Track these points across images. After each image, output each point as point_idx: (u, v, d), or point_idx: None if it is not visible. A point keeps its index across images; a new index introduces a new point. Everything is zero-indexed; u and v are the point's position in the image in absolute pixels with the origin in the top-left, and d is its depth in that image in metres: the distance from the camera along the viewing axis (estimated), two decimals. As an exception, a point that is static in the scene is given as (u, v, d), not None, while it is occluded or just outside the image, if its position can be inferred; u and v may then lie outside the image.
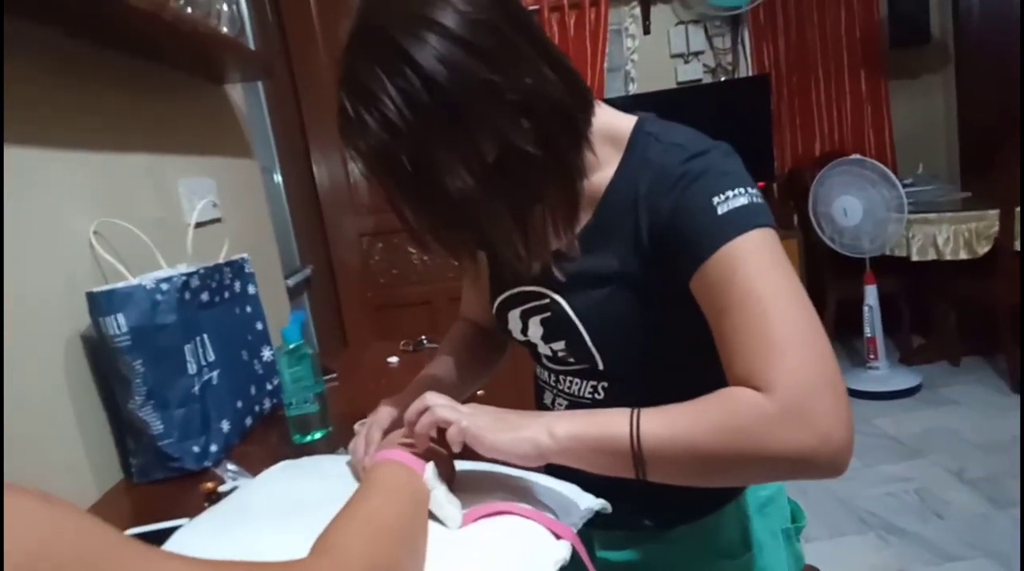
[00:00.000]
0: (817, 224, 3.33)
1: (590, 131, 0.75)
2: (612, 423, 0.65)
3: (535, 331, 0.86)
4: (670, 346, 0.79)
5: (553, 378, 0.92)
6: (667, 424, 0.64)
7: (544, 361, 0.93)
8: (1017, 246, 3.05)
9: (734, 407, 0.63)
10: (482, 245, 0.79)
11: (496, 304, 0.92)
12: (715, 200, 0.69)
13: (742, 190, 0.70)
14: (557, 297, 0.82)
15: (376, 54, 0.66)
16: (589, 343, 0.80)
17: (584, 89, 0.74)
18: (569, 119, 0.72)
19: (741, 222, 0.68)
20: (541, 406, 0.97)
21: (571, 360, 0.85)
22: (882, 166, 3.18)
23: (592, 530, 0.93)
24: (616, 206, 0.78)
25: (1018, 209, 3.02)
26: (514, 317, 0.89)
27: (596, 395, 0.87)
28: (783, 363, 0.62)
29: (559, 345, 0.84)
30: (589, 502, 0.75)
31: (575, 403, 0.89)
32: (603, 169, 0.79)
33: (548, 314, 0.84)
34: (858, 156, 3.30)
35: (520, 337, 0.90)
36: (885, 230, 3.21)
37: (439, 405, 0.69)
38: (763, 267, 0.67)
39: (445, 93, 0.63)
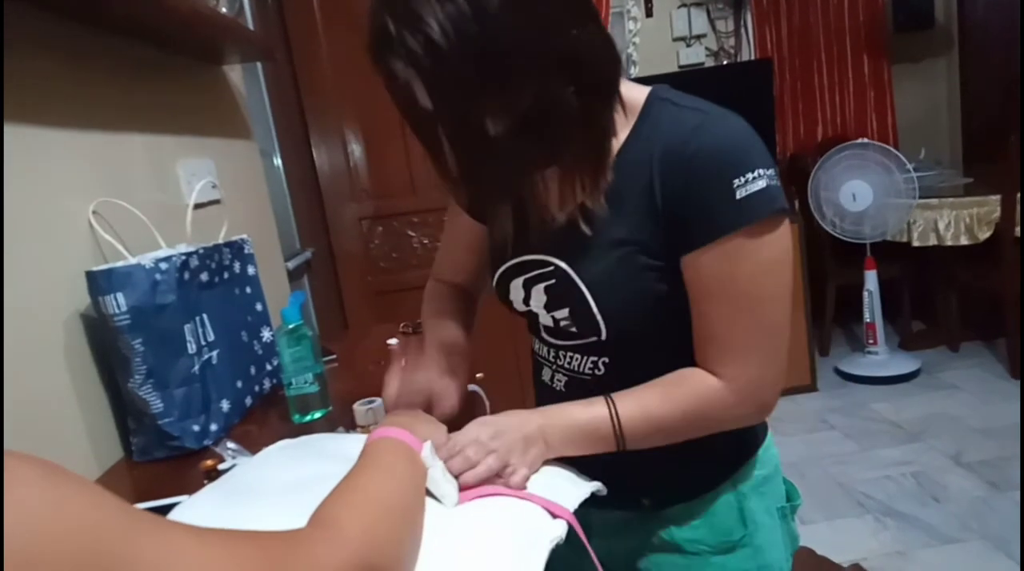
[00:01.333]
0: (817, 208, 3.31)
1: (619, 93, 0.75)
2: (594, 417, 0.78)
3: (538, 300, 0.86)
4: (675, 315, 0.79)
5: (552, 353, 0.92)
6: (642, 411, 0.77)
7: (543, 334, 0.92)
8: (1018, 232, 3.05)
9: (699, 395, 0.77)
10: (509, 190, 0.80)
11: (498, 274, 0.91)
12: (735, 182, 0.70)
13: (761, 171, 0.71)
14: (563, 264, 0.82)
15: None
16: (595, 310, 0.80)
17: (616, 53, 0.74)
18: (605, 76, 0.72)
19: (757, 209, 0.70)
20: (539, 382, 0.97)
21: (572, 329, 0.84)
22: (894, 151, 3.17)
23: (590, 510, 0.93)
24: (628, 171, 0.77)
25: (1019, 195, 3.01)
26: (516, 287, 0.88)
27: (596, 371, 0.87)
28: (747, 363, 0.76)
29: (562, 313, 0.83)
30: (585, 485, 0.76)
31: (574, 378, 0.89)
32: (616, 135, 0.78)
33: (552, 281, 0.83)
34: (865, 140, 3.28)
35: (521, 307, 0.89)
36: (894, 215, 3.20)
37: (504, 452, 0.73)
38: (761, 266, 0.73)
39: (495, 25, 0.62)
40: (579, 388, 0.88)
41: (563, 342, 0.89)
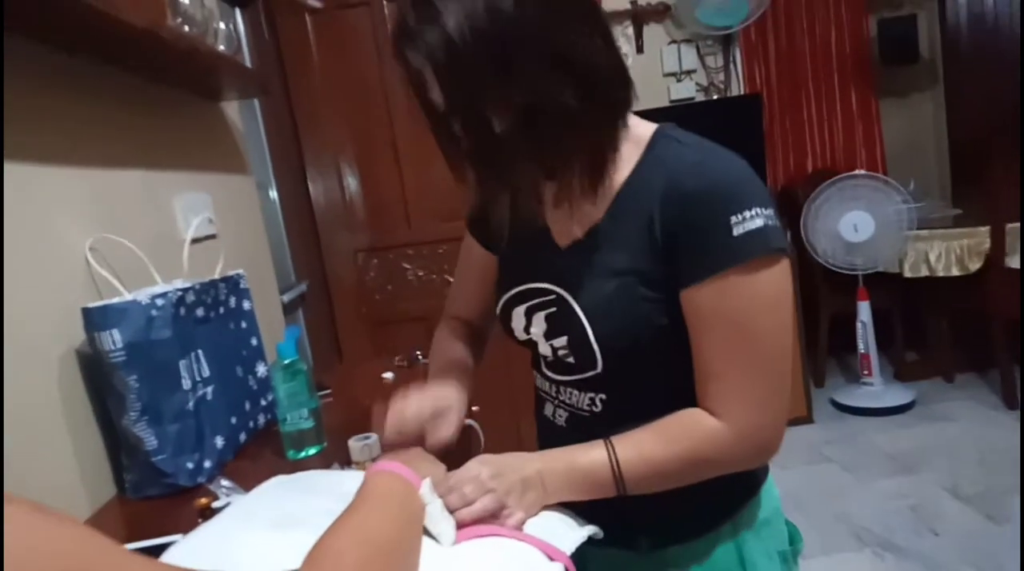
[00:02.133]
0: (808, 239, 3.33)
1: (627, 113, 0.79)
2: (593, 462, 0.77)
3: (538, 328, 0.86)
4: (671, 349, 0.80)
5: (554, 389, 0.92)
6: (641, 455, 0.77)
7: (543, 368, 0.93)
8: (1008, 262, 3.07)
9: (698, 437, 0.77)
10: (511, 186, 0.81)
11: (502, 302, 0.92)
12: (732, 219, 0.71)
13: (759, 210, 0.72)
14: (563, 292, 0.83)
15: None
16: (592, 339, 0.80)
17: (627, 78, 0.77)
18: (607, 89, 0.74)
19: (753, 247, 0.71)
20: (541, 417, 0.97)
21: (570, 360, 0.85)
22: (893, 182, 3.21)
23: (588, 549, 0.92)
24: (631, 203, 0.79)
25: (1009, 225, 3.04)
26: (518, 314, 0.89)
27: (594, 407, 0.87)
28: (744, 402, 0.75)
29: (560, 341, 0.84)
30: (581, 529, 0.76)
31: (575, 414, 0.90)
32: (622, 168, 0.80)
33: (553, 309, 0.84)
34: (862, 171, 3.32)
35: (522, 336, 0.90)
36: (890, 246, 3.23)
37: (501, 492, 0.73)
38: (756, 303, 0.73)
39: (504, 24, 0.66)
40: (579, 424, 0.89)
41: (562, 377, 0.90)
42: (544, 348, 0.87)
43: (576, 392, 0.89)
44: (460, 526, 0.69)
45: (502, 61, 0.67)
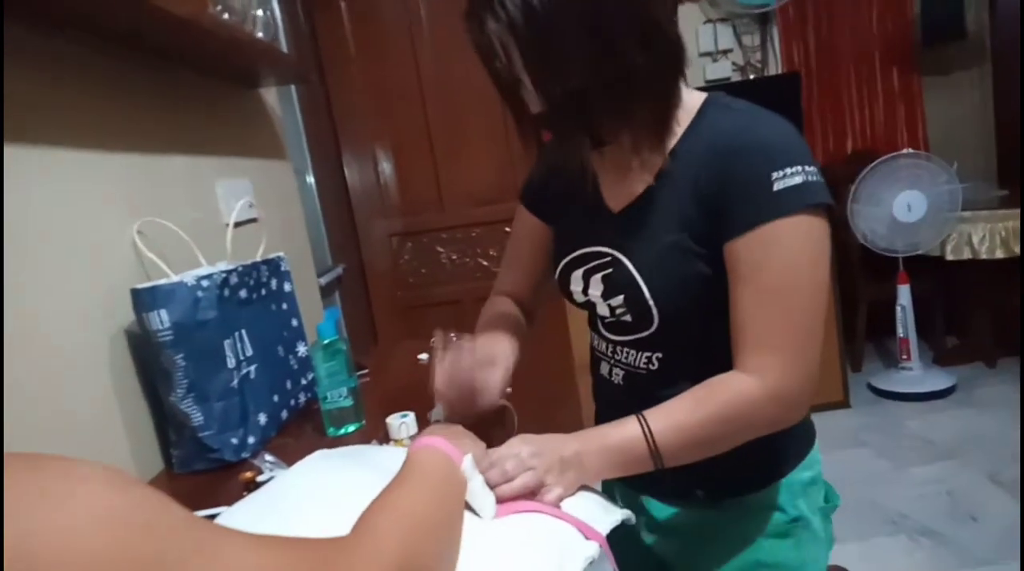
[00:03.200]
0: (851, 219, 3.26)
1: (685, 76, 0.82)
2: (628, 437, 0.79)
3: (595, 289, 0.91)
4: (723, 306, 0.82)
5: (610, 349, 0.96)
6: (673, 423, 0.78)
7: (600, 328, 0.97)
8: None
9: (727, 396, 0.78)
10: (589, 135, 0.83)
11: (560, 266, 0.97)
12: (774, 175, 0.74)
13: (800, 168, 0.74)
14: (619, 254, 0.87)
15: None
16: (648, 296, 0.84)
17: (682, 40, 0.80)
18: (678, 51, 0.78)
19: (793, 201, 0.73)
20: (598, 376, 1.02)
21: (627, 319, 0.89)
22: (942, 162, 3.14)
23: (649, 500, 0.98)
24: (681, 166, 0.82)
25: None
26: (576, 278, 0.94)
27: (651, 365, 0.91)
28: (773, 355, 0.76)
29: (617, 300, 0.88)
30: (616, 511, 0.77)
31: (631, 372, 0.94)
32: (673, 135, 0.83)
33: (609, 271, 0.89)
34: (910, 150, 3.25)
35: (580, 297, 0.94)
36: (941, 227, 3.16)
37: (541, 469, 0.75)
38: (796, 257, 0.75)
39: None
40: (636, 382, 0.93)
41: (619, 337, 0.94)
42: (602, 308, 0.92)
43: (633, 351, 0.92)
44: (500, 502, 0.71)
45: (580, 26, 0.71)
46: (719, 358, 0.81)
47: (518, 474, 0.74)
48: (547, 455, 0.76)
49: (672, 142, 0.83)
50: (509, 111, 0.83)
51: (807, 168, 0.75)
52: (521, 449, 0.76)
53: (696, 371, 0.82)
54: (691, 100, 0.85)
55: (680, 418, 0.79)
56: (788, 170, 0.74)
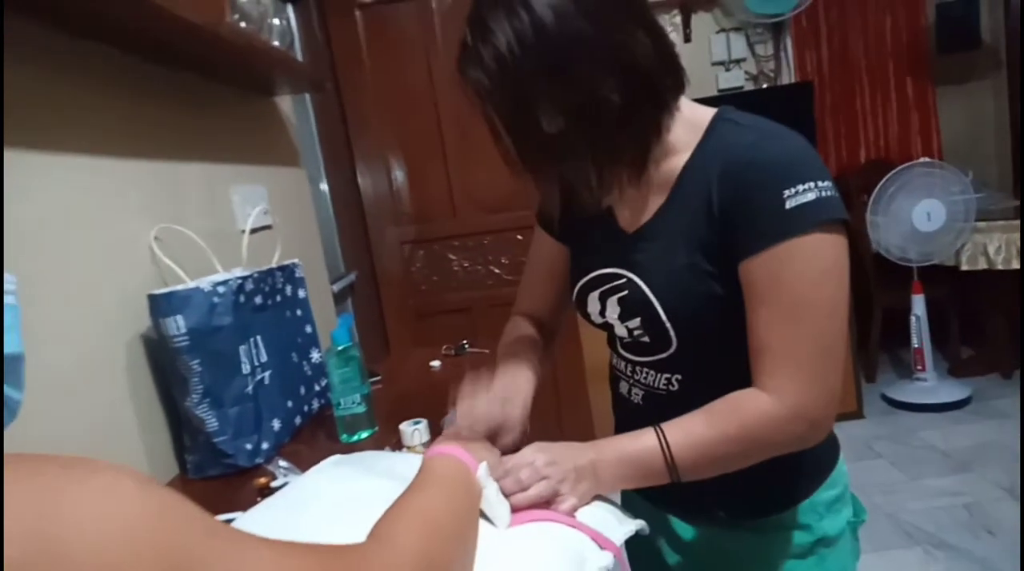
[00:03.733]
0: (871, 228, 3.24)
1: (675, 102, 0.81)
2: (644, 449, 0.78)
3: (612, 311, 0.90)
4: (741, 325, 0.81)
5: (629, 368, 0.96)
6: (691, 437, 0.77)
7: (619, 348, 0.96)
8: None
9: (747, 414, 0.76)
10: (562, 177, 0.85)
11: (577, 288, 0.96)
12: (786, 193, 0.73)
13: (812, 184, 0.73)
14: (633, 276, 0.87)
15: None
16: (664, 318, 0.84)
17: (676, 64, 0.80)
18: (653, 82, 0.77)
19: (806, 219, 0.73)
20: (617, 395, 1.01)
21: (646, 340, 0.88)
22: (958, 171, 3.12)
23: (671, 519, 0.97)
24: (691, 186, 0.82)
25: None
26: (593, 299, 0.93)
27: (671, 387, 0.90)
28: (793, 375, 0.75)
29: (635, 323, 0.88)
30: (630, 522, 0.77)
31: (650, 393, 0.93)
32: (681, 152, 0.83)
33: (625, 293, 0.88)
34: (926, 159, 3.23)
35: (598, 319, 0.94)
36: (956, 237, 3.14)
37: (555, 478, 0.75)
38: (812, 275, 0.74)
39: (549, 36, 0.72)
40: (655, 402, 0.92)
41: (639, 358, 0.93)
42: (620, 330, 0.91)
43: (652, 372, 0.92)
44: (515, 510, 0.71)
45: (548, 70, 0.73)
46: (740, 379, 0.80)
47: (532, 483, 0.74)
48: (562, 464, 0.76)
49: (681, 160, 0.83)
50: (498, 151, 0.84)
51: (820, 183, 0.74)
52: (536, 458, 0.76)
53: (717, 393, 0.80)
54: (698, 117, 0.84)
55: (698, 432, 0.78)
56: (800, 187, 0.73)
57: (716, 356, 0.85)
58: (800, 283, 0.74)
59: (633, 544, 0.77)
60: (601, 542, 0.70)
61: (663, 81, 0.79)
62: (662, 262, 0.84)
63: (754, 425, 0.76)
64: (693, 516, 0.95)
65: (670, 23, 3.84)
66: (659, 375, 0.91)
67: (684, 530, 0.97)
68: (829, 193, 0.74)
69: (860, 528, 0.99)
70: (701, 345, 0.85)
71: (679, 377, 0.89)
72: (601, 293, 0.92)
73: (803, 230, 0.73)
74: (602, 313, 0.92)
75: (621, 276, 0.88)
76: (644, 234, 0.87)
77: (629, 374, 0.96)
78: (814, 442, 0.78)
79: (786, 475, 0.86)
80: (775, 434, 0.76)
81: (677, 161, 0.83)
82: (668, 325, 0.84)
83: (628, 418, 0.97)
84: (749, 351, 0.78)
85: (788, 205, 0.73)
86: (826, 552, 0.91)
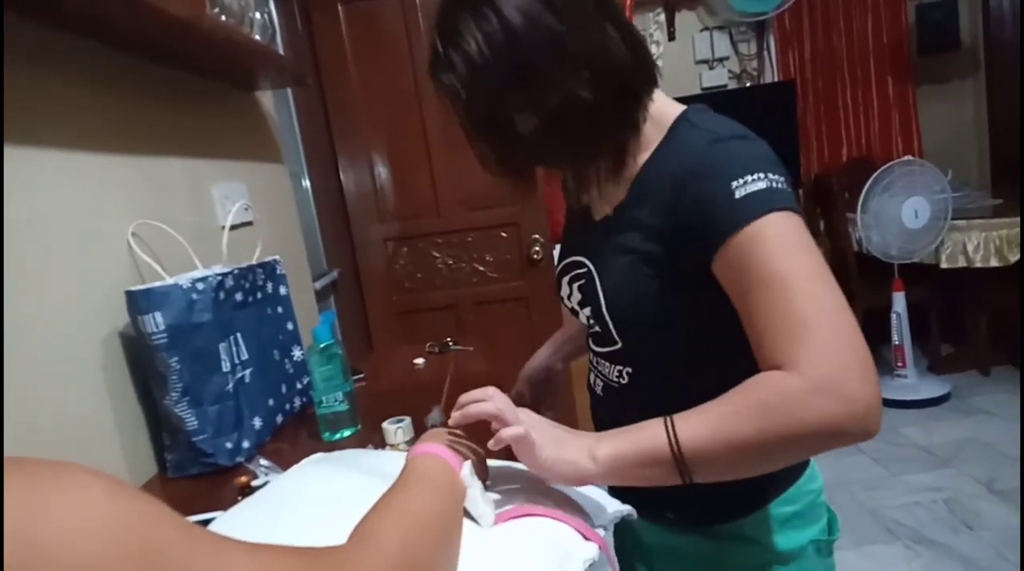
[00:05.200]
0: (860, 227, 3.27)
1: (649, 96, 0.82)
2: (650, 435, 0.67)
3: (576, 297, 0.92)
4: (686, 335, 0.81)
5: (594, 359, 0.97)
6: (701, 423, 0.66)
7: (588, 340, 0.97)
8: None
9: (763, 391, 0.64)
10: (533, 179, 0.87)
11: (556, 272, 0.99)
12: (733, 184, 0.70)
13: (761, 175, 0.70)
14: (591, 266, 0.88)
15: (468, 1, 0.74)
16: (605, 312, 0.85)
17: (647, 59, 0.80)
18: (625, 78, 0.78)
19: (758, 206, 0.69)
20: (589, 388, 1.01)
21: (597, 329, 0.89)
22: (937, 170, 3.15)
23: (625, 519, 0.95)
24: (648, 186, 0.82)
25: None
26: (565, 284, 0.95)
27: (621, 380, 0.90)
28: (807, 340, 0.64)
29: (588, 312, 0.89)
30: (616, 507, 0.76)
31: (608, 385, 0.94)
32: (644, 149, 0.83)
33: (583, 282, 0.89)
34: (910, 157, 3.26)
35: (568, 303, 0.96)
36: (935, 235, 3.18)
37: (501, 402, 0.70)
38: (782, 248, 0.68)
39: (518, 38, 0.72)
40: (612, 394, 0.93)
41: (597, 348, 0.94)
42: (582, 317, 0.92)
43: (607, 364, 0.92)
44: (499, 505, 0.70)
45: (519, 72, 0.73)
46: (689, 380, 0.77)
47: (488, 402, 0.70)
48: (544, 424, 0.71)
49: (643, 158, 0.83)
50: (475, 154, 0.84)
51: (772, 176, 0.70)
52: (520, 413, 0.71)
53: (664, 391, 0.76)
54: (665, 115, 0.83)
55: (709, 414, 0.66)
56: (749, 178, 0.70)
57: (662, 355, 0.85)
58: (774, 259, 0.67)
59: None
60: (586, 533, 0.70)
61: (636, 76, 0.79)
62: (614, 257, 0.84)
63: (772, 400, 0.63)
64: (648, 514, 0.89)
65: (654, 21, 3.85)
66: (612, 367, 0.91)
67: (643, 528, 0.96)
68: (781, 186, 0.71)
69: (839, 533, 0.94)
70: (643, 343, 0.85)
71: (628, 371, 0.89)
72: (570, 278, 0.94)
73: (758, 214, 0.68)
74: (570, 297, 0.94)
75: (584, 264, 0.90)
76: (606, 226, 0.87)
77: (594, 364, 0.97)
78: (860, 427, 0.63)
79: (735, 483, 0.70)
80: (798, 410, 0.62)
81: (640, 158, 0.83)
82: (609, 321, 0.85)
83: (593, 409, 1.00)
84: (753, 349, 0.69)
85: (737, 194, 0.70)
86: (779, 569, 0.88)
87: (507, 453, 0.70)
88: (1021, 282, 3.00)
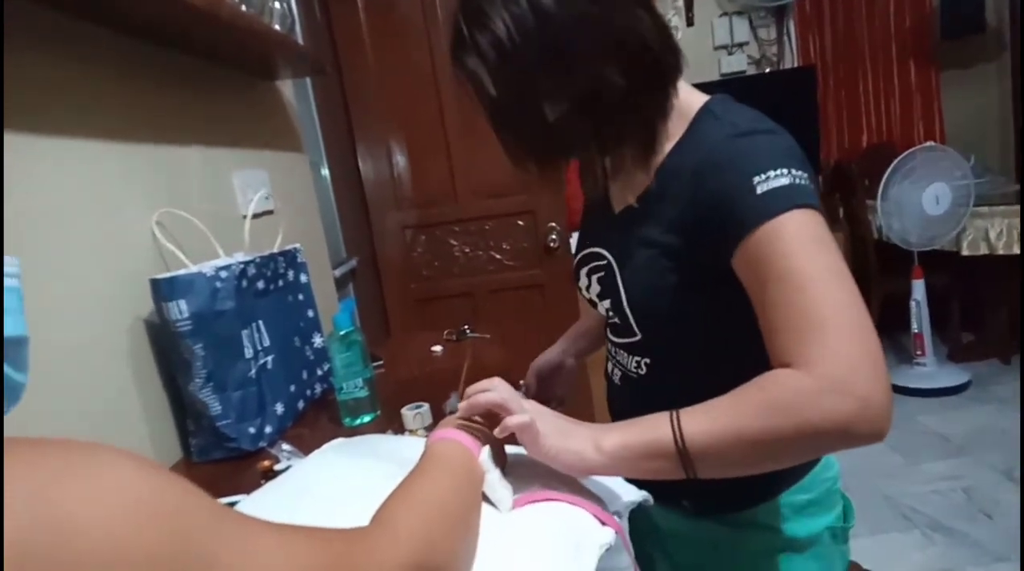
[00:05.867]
0: (880, 213, 3.23)
1: (676, 81, 0.80)
2: (655, 427, 0.67)
3: (595, 289, 0.92)
4: (705, 328, 0.82)
5: (613, 349, 0.97)
6: (707, 418, 0.65)
7: (607, 331, 0.98)
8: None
9: (772, 388, 0.63)
10: (562, 169, 0.85)
11: (574, 263, 0.98)
12: (755, 179, 0.69)
13: (784, 170, 0.69)
14: (611, 258, 0.88)
15: None
16: (625, 304, 0.85)
17: (673, 44, 0.79)
18: (656, 61, 0.76)
19: (779, 202, 0.68)
20: (606, 374, 1.02)
21: (617, 322, 0.89)
22: (959, 155, 3.11)
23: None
24: (670, 178, 0.81)
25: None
26: (583, 275, 0.95)
27: (640, 370, 0.91)
28: (820, 340, 0.63)
29: (607, 304, 0.89)
30: (632, 494, 0.77)
31: (625, 375, 0.94)
32: (669, 141, 0.82)
33: (603, 274, 0.89)
34: (931, 143, 3.22)
35: (587, 294, 0.96)
36: (960, 221, 3.14)
37: (506, 392, 0.71)
38: (801, 245, 0.67)
39: (550, 21, 0.70)
40: (628, 383, 0.94)
41: (616, 339, 0.94)
42: (601, 309, 0.92)
43: (626, 354, 0.93)
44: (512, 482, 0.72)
45: (551, 56, 0.71)
46: (706, 373, 0.75)
47: (491, 391, 0.70)
48: (548, 414, 0.71)
49: (666, 150, 0.82)
50: (499, 140, 0.82)
51: (795, 171, 0.69)
52: (525, 402, 0.72)
53: (681, 383, 0.77)
54: (689, 106, 0.82)
55: (714, 409, 0.66)
56: (772, 173, 0.69)
57: (680, 347, 0.85)
58: (793, 255, 0.67)
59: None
60: (603, 518, 0.71)
61: (664, 59, 0.77)
62: (634, 249, 0.84)
63: (781, 398, 0.62)
64: (664, 501, 0.89)
65: (672, 6, 3.82)
66: (631, 357, 0.92)
67: (659, 514, 0.97)
68: (804, 182, 0.70)
69: (853, 521, 0.95)
70: (661, 336, 0.86)
71: (647, 361, 0.90)
72: (589, 269, 0.93)
73: (779, 211, 0.68)
74: (589, 289, 0.94)
75: (603, 256, 0.90)
76: (626, 218, 0.87)
77: (613, 353, 0.98)
78: (869, 428, 0.61)
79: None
80: (806, 409, 0.61)
81: (665, 149, 0.82)
82: (628, 313, 0.85)
83: (610, 398, 1.01)
84: (766, 345, 0.68)
85: (759, 190, 0.69)
86: (794, 555, 0.89)
87: (513, 442, 0.71)
88: (1022, 269, 2.95)
